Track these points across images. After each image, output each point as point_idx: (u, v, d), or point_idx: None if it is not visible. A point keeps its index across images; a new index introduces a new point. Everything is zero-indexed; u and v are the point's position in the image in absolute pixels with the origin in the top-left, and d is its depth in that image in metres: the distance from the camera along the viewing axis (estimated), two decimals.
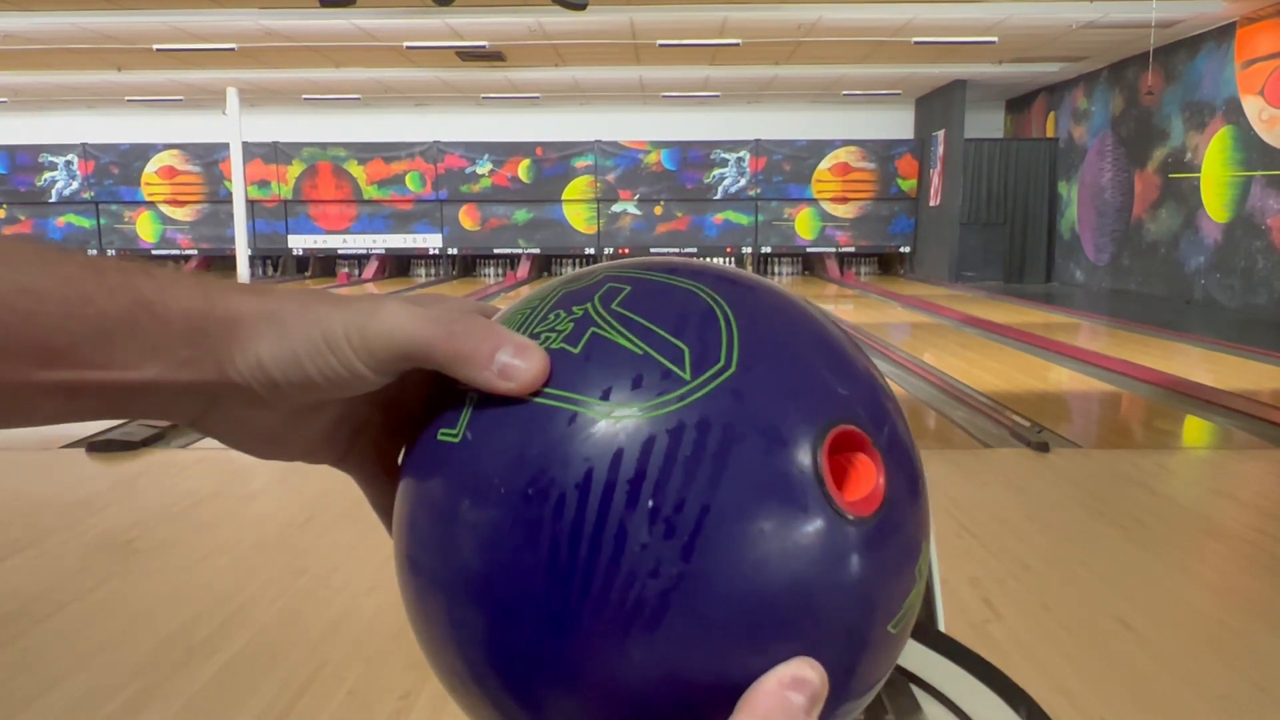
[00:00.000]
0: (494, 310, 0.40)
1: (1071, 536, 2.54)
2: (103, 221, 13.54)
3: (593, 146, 13.36)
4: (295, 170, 13.34)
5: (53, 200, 13.49)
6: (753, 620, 0.29)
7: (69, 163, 13.41)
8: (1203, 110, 9.20)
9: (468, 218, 13.44)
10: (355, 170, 13.34)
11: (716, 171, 13.48)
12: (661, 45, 9.78)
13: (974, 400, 4.31)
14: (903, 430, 0.35)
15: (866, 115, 13.94)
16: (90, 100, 13.23)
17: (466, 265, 13.90)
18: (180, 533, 2.60)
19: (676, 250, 13.15)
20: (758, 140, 13.45)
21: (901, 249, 13.64)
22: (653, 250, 13.05)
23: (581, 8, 7.40)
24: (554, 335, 0.33)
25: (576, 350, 0.32)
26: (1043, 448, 3.36)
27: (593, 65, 11.09)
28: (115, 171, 13.42)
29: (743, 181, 13.47)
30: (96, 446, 3.46)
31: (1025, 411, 3.98)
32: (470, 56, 10.48)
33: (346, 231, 13.46)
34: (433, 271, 13.88)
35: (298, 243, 13.48)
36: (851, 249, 13.65)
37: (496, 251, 13.47)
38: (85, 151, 13.38)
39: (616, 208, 13.51)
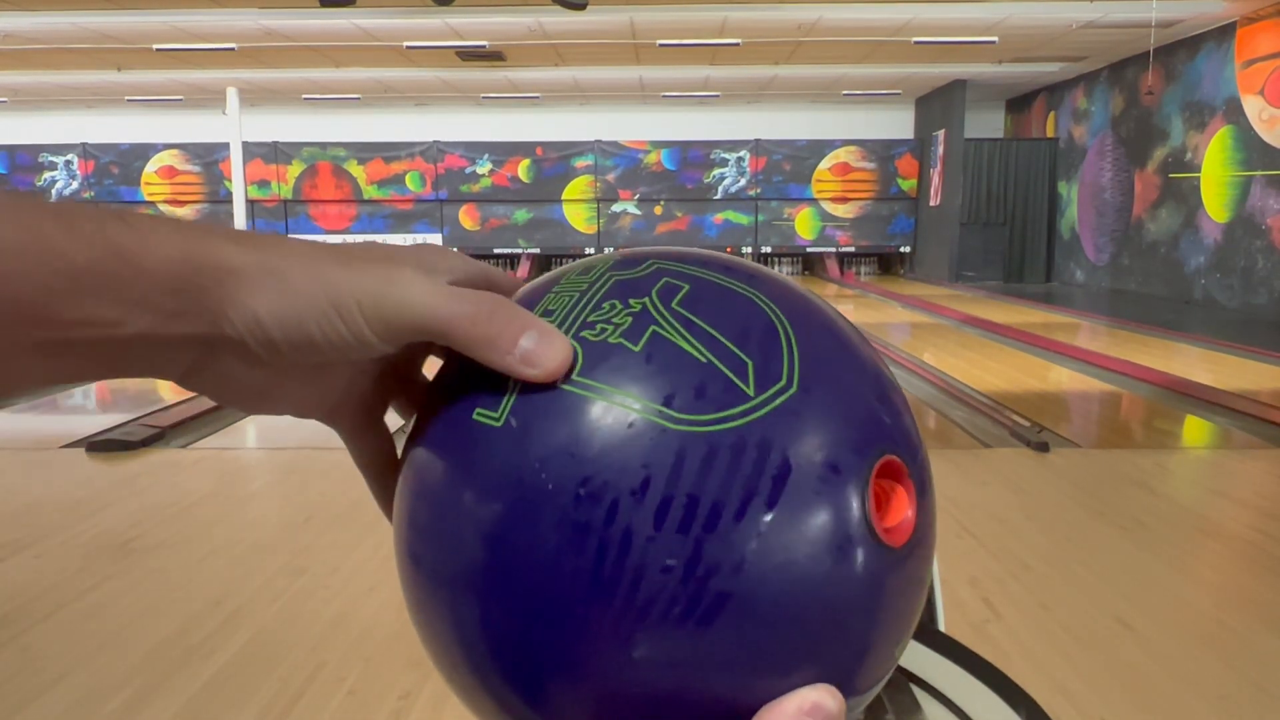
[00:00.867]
0: (504, 276, 0.39)
1: (1071, 536, 2.54)
2: None
3: (593, 146, 13.37)
4: (295, 170, 13.34)
5: (53, 200, 13.48)
6: (784, 640, 0.30)
7: (69, 162, 13.41)
8: (1203, 110, 9.20)
9: (468, 217, 13.45)
10: (355, 170, 13.34)
11: (716, 171, 13.48)
12: (661, 45, 9.78)
13: (974, 400, 4.31)
14: (925, 458, 0.35)
15: (866, 115, 13.94)
16: (90, 100, 13.22)
17: None
18: (180, 533, 2.60)
19: None
20: (758, 140, 13.45)
21: (901, 249, 13.65)
22: None
23: (581, 7, 7.40)
24: (611, 329, 0.32)
25: (637, 349, 0.31)
26: (1042, 448, 3.36)
27: (593, 65, 11.09)
28: (115, 171, 13.42)
29: (743, 181, 13.47)
30: (96, 446, 3.46)
31: (1025, 411, 3.98)
32: (470, 56, 10.48)
33: (346, 231, 13.46)
34: None
35: None
36: (851, 249, 13.65)
37: (496, 251, 13.45)
38: (85, 151, 13.39)
39: (616, 207, 13.52)
